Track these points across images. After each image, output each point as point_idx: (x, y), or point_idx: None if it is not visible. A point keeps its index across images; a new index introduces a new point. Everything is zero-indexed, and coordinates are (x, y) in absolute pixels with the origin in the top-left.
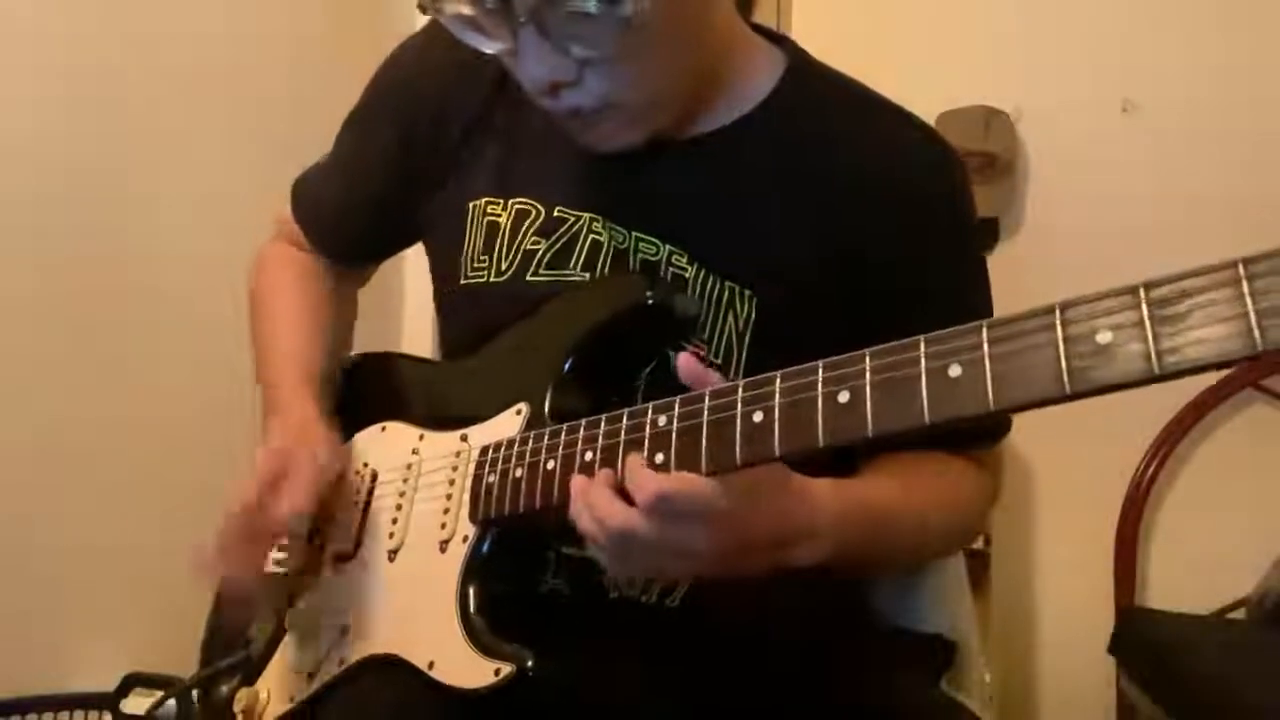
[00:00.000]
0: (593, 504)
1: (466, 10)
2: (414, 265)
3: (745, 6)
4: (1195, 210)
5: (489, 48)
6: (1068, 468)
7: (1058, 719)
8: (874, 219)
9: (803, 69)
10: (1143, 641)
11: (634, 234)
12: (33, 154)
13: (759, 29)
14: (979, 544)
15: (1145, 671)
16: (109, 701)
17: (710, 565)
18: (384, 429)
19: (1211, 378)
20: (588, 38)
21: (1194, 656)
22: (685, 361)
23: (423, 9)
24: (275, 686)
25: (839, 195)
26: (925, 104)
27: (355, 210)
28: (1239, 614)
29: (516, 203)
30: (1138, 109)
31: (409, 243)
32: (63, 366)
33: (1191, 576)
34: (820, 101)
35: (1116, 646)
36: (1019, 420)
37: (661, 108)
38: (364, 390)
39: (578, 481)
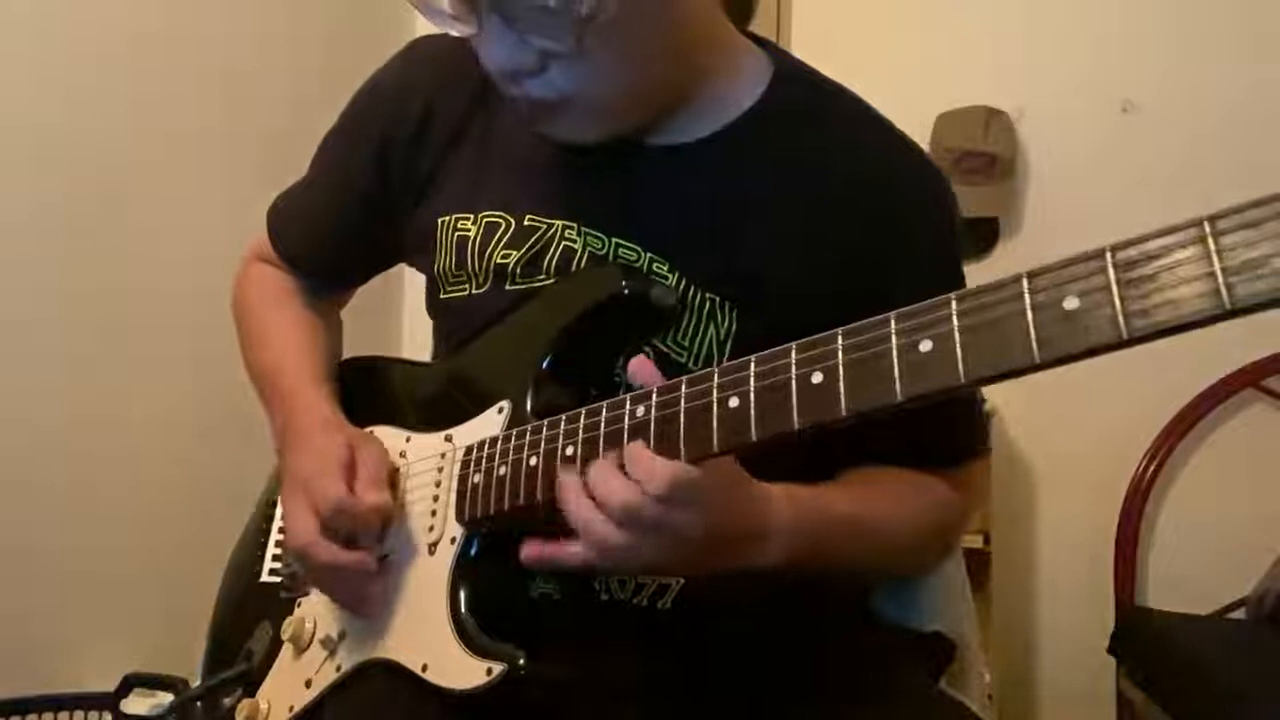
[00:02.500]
0: (597, 483)
1: None
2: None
3: (745, 9)
4: (1195, 210)
5: (456, 30)
6: (1068, 467)
7: (1058, 719)
8: (864, 235)
9: (789, 76)
10: (1143, 641)
11: (614, 240)
12: (32, 153)
13: (743, 33)
14: (979, 544)
15: (1145, 671)
16: (109, 701)
17: (689, 556)
18: (370, 433)
19: (1211, 376)
20: (549, 31)
21: (1194, 656)
22: (638, 364)
23: None
24: (275, 696)
25: (828, 209)
26: (925, 104)
27: (334, 231)
28: (1239, 614)
29: (485, 216)
30: (1138, 109)
31: (387, 265)
32: (63, 367)
33: (1191, 576)
34: (808, 111)
35: (1116, 646)
36: (1020, 419)
37: (625, 108)
38: (349, 395)
39: (566, 478)
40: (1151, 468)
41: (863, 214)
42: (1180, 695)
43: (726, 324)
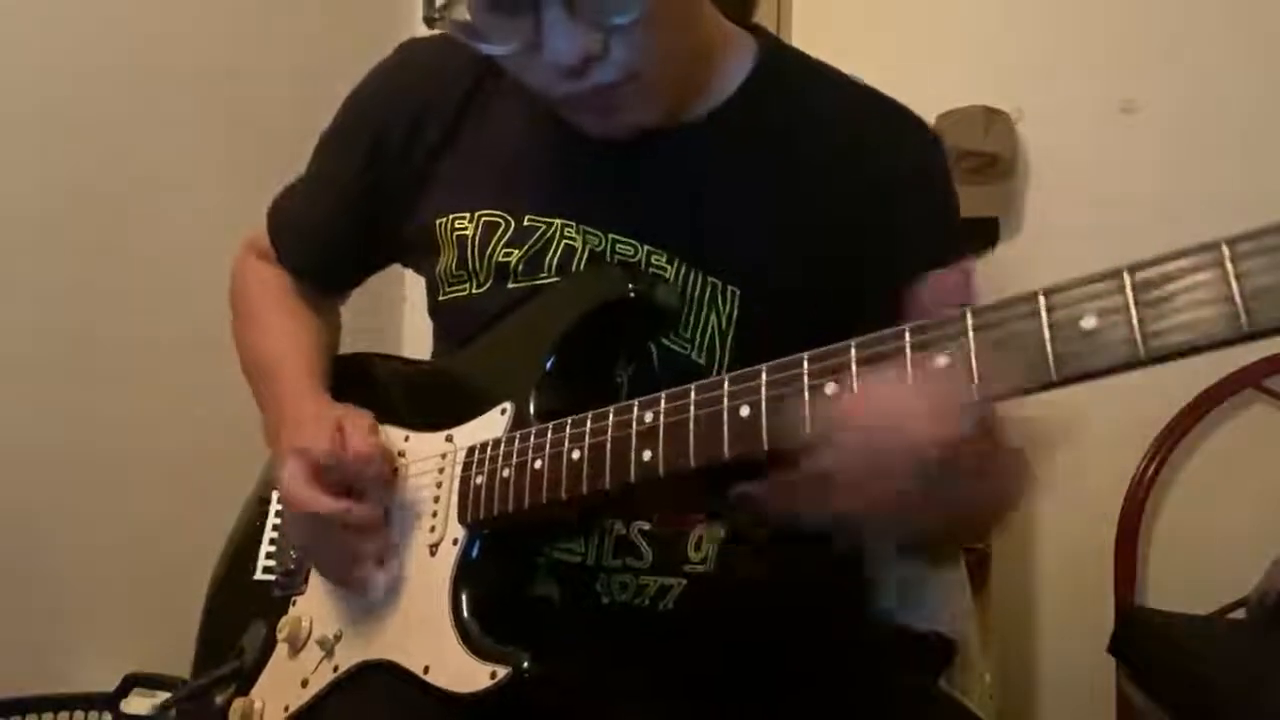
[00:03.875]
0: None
1: (480, 11)
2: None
3: (746, 7)
4: (1195, 210)
5: (499, 50)
6: (1068, 468)
7: (1057, 719)
8: (863, 202)
9: (776, 56)
10: (1143, 641)
11: (610, 236)
12: (35, 153)
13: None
14: (979, 544)
15: (1145, 671)
16: (109, 701)
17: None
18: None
19: (1211, 376)
20: (618, 2)
21: (1194, 656)
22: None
23: (429, 22)
24: (270, 696)
25: (824, 182)
26: (925, 104)
27: (329, 236)
28: (1239, 614)
29: (483, 215)
30: (1138, 109)
31: (383, 265)
32: (64, 366)
33: (1191, 576)
34: (799, 88)
35: (1116, 646)
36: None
37: (671, 82)
38: (347, 393)
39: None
40: (1151, 468)
41: (860, 182)
42: (1180, 695)
43: (728, 309)
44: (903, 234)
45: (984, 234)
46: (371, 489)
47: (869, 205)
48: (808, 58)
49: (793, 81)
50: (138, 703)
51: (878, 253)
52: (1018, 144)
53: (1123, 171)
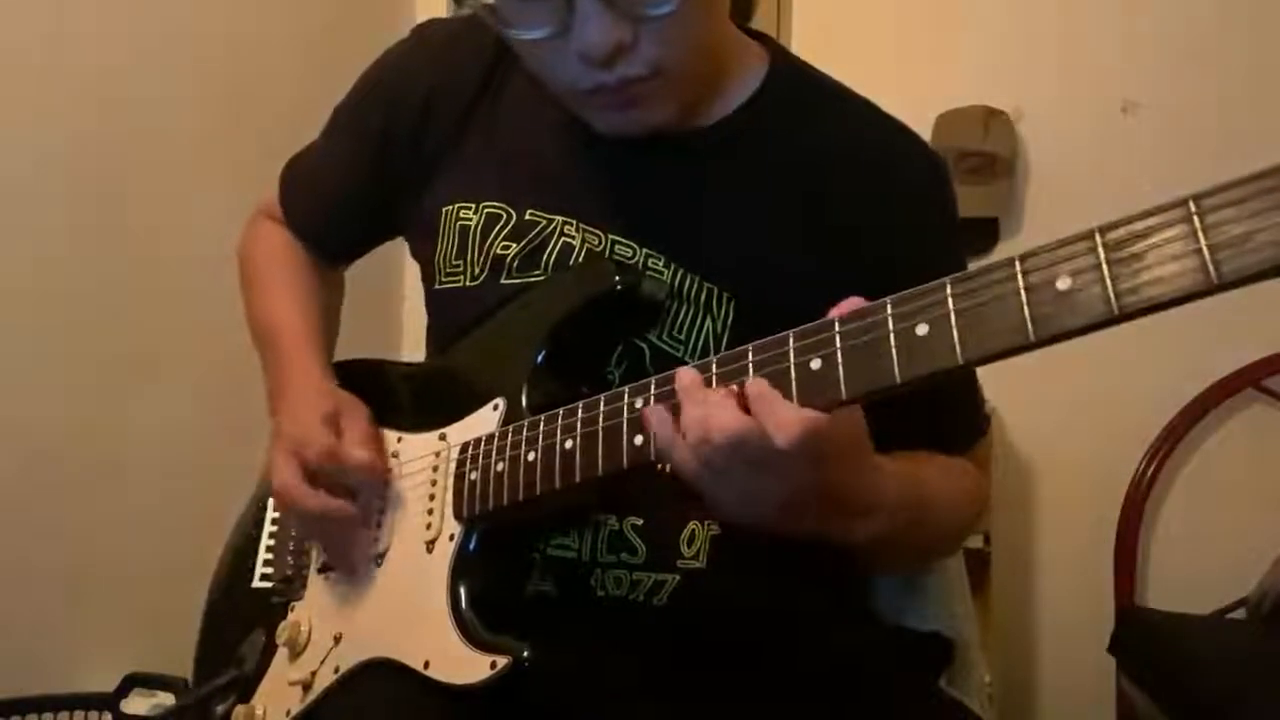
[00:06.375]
0: (709, 413)
1: None
2: (415, 265)
3: (745, 8)
4: None
5: (526, 35)
6: (1068, 468)
7: (1058, 719)
8: (863, 216)
9: (786, 69)
10: (1143, 641)
11: (610, 237)
12: (35, 153)
13: (740, 28)
14: (979, 544)
15: (1145, 671)
16: (109, 701)
17: (796, 509)
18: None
19: (1211, 376)
20: None
21: (1194, 656)
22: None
23: (458, 3)
24: (271, 701)
25: (825, 195)
26: (925, 104)
27: (336, 205)
28: (1239, 614)
29: (487, 206)
30: (1138, 109)
31: (385, 239)
32: (64, 368)
33: (1191, 576)
34: (807, 103)
35: (1116, 646)
36: (1019, 419)
37: (691, 82)
38: None
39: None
40: (1151, 468)
41: (861, 196)
42: (1180, 695)
43: (723, 314)
44: (902, 247)
45: (984, 234)
46: (365, 489)
47: (869, 218)
48: (817, 73)
49: (801, 96)
50: (138, 703)
51: (875, 265)
52: (1018, 144)
53: (1123, 171)
